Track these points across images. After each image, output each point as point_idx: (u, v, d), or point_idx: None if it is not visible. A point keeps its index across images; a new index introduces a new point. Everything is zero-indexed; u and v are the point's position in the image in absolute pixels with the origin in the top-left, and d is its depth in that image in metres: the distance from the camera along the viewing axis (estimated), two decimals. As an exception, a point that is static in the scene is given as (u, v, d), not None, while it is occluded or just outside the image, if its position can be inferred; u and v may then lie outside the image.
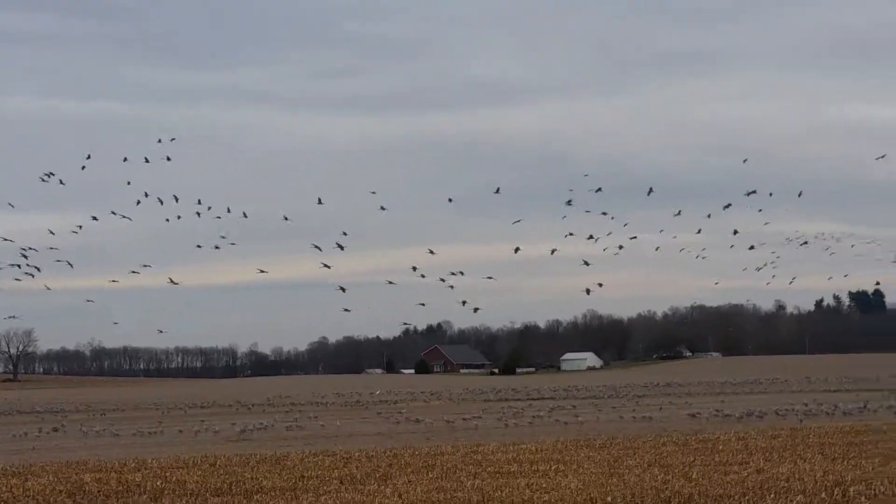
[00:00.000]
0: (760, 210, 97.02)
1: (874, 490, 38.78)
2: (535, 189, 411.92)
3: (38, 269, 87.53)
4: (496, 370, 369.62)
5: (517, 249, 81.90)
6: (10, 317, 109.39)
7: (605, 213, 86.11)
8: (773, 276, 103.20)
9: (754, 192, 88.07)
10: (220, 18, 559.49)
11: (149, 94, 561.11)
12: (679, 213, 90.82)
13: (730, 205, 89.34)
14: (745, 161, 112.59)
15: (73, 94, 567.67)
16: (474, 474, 47.43)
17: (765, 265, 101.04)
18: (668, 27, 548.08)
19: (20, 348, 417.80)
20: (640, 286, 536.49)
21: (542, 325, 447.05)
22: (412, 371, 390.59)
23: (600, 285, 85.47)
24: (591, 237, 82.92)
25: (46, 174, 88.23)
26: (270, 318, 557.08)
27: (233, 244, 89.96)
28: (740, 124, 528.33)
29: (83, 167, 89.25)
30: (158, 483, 46.73)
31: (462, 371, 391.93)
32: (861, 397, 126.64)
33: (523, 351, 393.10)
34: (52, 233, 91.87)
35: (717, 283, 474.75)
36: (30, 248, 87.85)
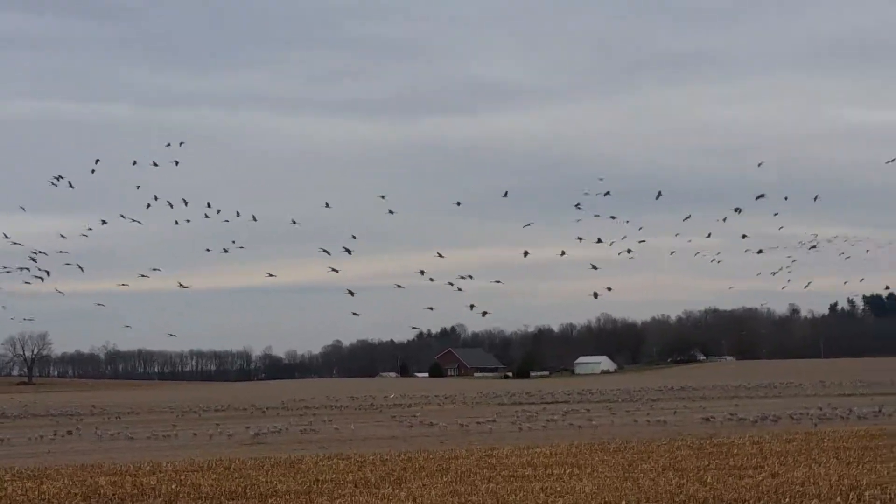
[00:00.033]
0: (776, 214, 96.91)
1: (889, 494, 38.59)
2: (541, 192, 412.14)
3: (48, 273, 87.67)
4: (510, 374, 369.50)
5: (526, 253, 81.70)
6: (26, 319, 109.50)
7: (613, 217, 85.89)
8: (789, 281, 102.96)
9: (763, 195, 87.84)
10: (220, 19, 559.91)
11: (149, 95, 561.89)
12: (689, 217, 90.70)
13: (739, 209, 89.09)
14: (759, 165, 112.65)
15: (73, 95, 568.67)
16: (489, 478, 47.34)
17: (780, 269, 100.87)
18: (668, 27, 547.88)
19: (35, 351, 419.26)
20: (654, 290, 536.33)
21: (555, 328, 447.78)
22: (426, 374, 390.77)
23: (609, 289, 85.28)
24: (599, 241, 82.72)
25: (56, 177, 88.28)
26: (280, 322, 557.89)
27: (241, 248, 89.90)
28: (742, 126, 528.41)
29: (93, 171, 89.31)
30: (173, 486, 46.73)
31: (476, 374, 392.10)
32: (876, 401, 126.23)
33: (537, 354, 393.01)
34: (63, 237, 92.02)
35: (731, 288, 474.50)
36: (39, 252, 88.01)
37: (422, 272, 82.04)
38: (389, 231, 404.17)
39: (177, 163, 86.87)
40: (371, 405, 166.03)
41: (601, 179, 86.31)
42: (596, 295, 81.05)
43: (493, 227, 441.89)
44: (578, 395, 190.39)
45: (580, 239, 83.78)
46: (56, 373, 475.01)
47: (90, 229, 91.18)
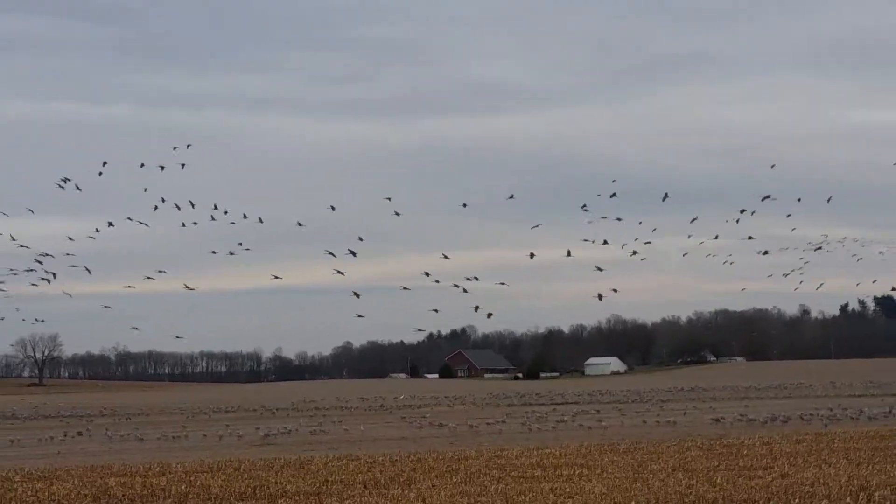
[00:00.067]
0: (789, 215, 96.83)
1: None
2: (541, 192, 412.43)
3: (54, 275, 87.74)
4: (520, 375, 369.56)
5: (532, 255, 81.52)
6: (38, 320, 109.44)
7: (619, 219, 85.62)
8: (801, 282, 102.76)
9: (769, 196, 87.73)
10: (220, 19, 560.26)
11: (149, 95, 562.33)
12: (696, 218, 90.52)
13: (744, 210, 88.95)
14: (772, 167, 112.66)
15: (73, 96, 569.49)
16: (498, 479, 47.40)
17: (792, 271, 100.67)
18: (668, 27, 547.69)
19: (45, 353, 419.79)
20: (664, 291, 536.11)
21: (565, 329, 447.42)
22: (436, 375, 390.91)
23: (615, 290, 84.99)
24: (605, 242, 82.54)
25: (63, 180, 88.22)
26: (284, 324, 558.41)
27: (248, 250, 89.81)
28: (742, 126, 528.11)
29: (100, 173, 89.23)
30: (183, 487, 46.77)
31: (486, 375, 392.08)
32: (886, 402, 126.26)
33: (547, 355, 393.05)
34: (70, 239, 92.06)
35: (743, 290, 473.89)
36: (46, 254, 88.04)
37: (427, 274, 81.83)
38: (391, 232, 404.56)
39: (183, 166, 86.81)
40: (381, 406, 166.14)
41: (614, 181, 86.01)
42: (601, 297, 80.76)
43: (495, 227, 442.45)
44: (588, 396, 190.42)
45: (586, 240, 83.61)
46: (66, 374, 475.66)
47: (98, 231, 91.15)
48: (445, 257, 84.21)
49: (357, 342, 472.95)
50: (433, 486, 45.26)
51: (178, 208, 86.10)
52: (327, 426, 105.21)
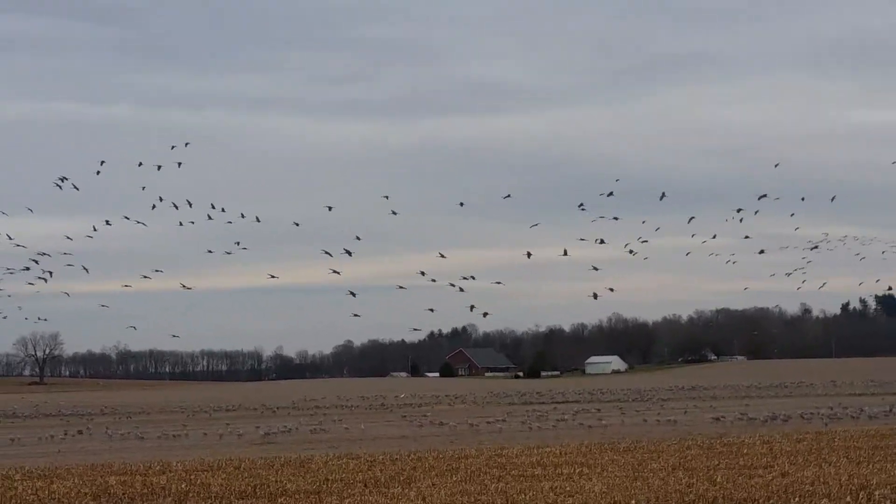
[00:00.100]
0: (793, 214, 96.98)
1: None
2: (542, 192, 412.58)
3: (51, 274, 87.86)
4: (521, 373, 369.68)
5: (529, 254, 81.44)
6: (41, 319, 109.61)
7: (616, 218, 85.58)
8: (804, 282, 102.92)
9: (765, 195, 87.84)
10: (220, 19, 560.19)
11: (149, 95, 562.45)
12: (693, 218, 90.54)
13: (740, 209, 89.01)
14: (776, 165, 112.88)
15: (73, 96, 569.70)
16: (498, 477, 47.49)
17: (794, 270, 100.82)
18: (668, 27, 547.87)
19: (46, 351, 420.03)
20: (664, 290, 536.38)
21: (566, 328, 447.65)
22: (437, 374, 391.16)
23: (611, 290, 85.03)
24: (602, 241, 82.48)
25: (60, 179, 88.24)
26: (283, 323, 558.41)
27: (245, 249, 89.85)
28: (742, 126, 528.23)
29: (98, 172, 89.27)
30: (183, 486, 46.85)
31: (487, 374, 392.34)
32: (887, 401, 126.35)
33: (548, 354, 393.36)
34: (69, 238, 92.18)
35: (746, 289, 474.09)
36: (43, 254, 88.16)
37: (422, 273, 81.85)
38: (390, 231, 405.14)
39: (179, 164, 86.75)
40: (381, 405, 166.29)
41: (618, 180, 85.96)
42: (596, 296, 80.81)
43: (494, 227, 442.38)
44: (589, 394, 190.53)
45: (583, 240, 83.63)
46: (67, 373, 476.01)
47: (95, 230, 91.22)
48: (442, 256, 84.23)
49: (358, 341, 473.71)
50: (433, 484, 45.30)
51: (176, 207, 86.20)
52: (328, 425, 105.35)
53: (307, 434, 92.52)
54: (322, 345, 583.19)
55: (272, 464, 57.50)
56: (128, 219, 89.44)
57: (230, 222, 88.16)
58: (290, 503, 41.07)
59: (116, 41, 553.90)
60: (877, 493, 38.81)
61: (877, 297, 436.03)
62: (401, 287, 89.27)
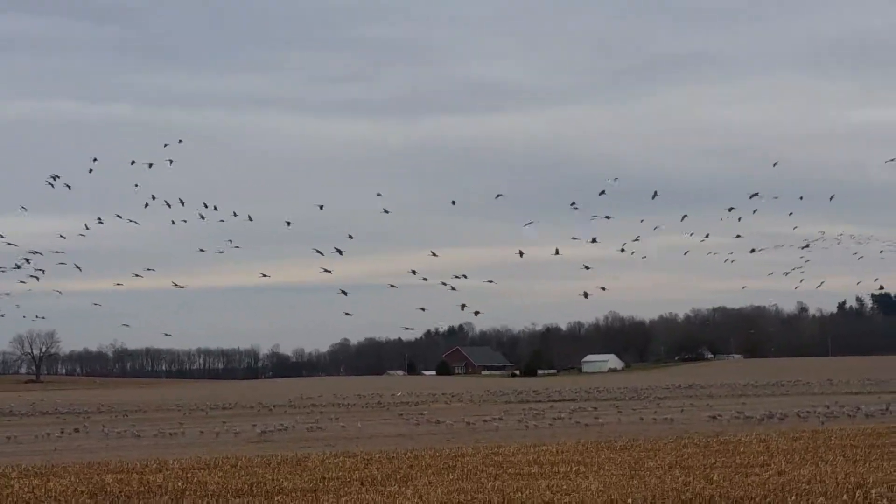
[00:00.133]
0: (791, 213, 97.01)
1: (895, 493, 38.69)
2: (542, 192, 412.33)
3: (42, 271, 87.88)
4: (517, 372, 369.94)
5: (521, 253, 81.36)
6: (39, 317, 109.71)
7: (608, 217, 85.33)
8: (802, 280, 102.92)
9: (756, 194, 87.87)
10: (220, 19, 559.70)
11: (149, 95, 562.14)
12: (685, 216, 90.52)
13: (732, 208, 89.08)
14: (775, 164, 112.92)
15: (73, 95, 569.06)
16: (495, 476, 47.55)
17: (792, 269, 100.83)
18: (668, 27, 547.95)
19: (43, 349, 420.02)
20: (660, 288, 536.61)
21: (563, 326, 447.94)
22: (433, 373, 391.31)
23: (603, 289, 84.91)
24: (594, 240, 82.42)
25: (52, 177, 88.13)
26: (280, 321, 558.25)
27: (237, 247, 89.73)
28: (742, 126, 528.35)
29: (90, 170, 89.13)
30: (180, 484, 46.89)
31: (483, 373, 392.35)
32: (883, 399, 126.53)
33: (545, 353, 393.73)
34: (62, 237, 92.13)
35: (744, 288, 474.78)
36: (35, 252, 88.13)
37: (413, 272, 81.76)
38: (390, 231, 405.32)
39: (171, 161, 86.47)
40: (378, 403, 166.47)
41: (616, 179, 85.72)
42: (586, 294, 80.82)
43: (494, 227, 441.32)
44: (586, 393, 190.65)
45: (575, 238, 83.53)
46: (64, 371, 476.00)
47: (87, 228, 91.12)
48: (434, 255, 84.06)
49: (354, 339, 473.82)
50: (430, 482, 45.34)
51: (169, 206, 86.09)
52: (324, 423, 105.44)
53: (304, 432, 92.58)
54: (318, 343, 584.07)
55: (269, 462, 57.49)
56: (120, 217, 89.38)
57: (222, 221, 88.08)
58: (287, 501, 41.07)
59: (116, 41, 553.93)
60: (873, 491, 38.88)
61: (873, 295, 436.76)
62: (392, 286, 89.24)
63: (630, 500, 37.97)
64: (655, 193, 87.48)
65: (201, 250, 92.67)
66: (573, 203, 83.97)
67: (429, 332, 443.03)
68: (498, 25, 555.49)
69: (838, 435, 67.51)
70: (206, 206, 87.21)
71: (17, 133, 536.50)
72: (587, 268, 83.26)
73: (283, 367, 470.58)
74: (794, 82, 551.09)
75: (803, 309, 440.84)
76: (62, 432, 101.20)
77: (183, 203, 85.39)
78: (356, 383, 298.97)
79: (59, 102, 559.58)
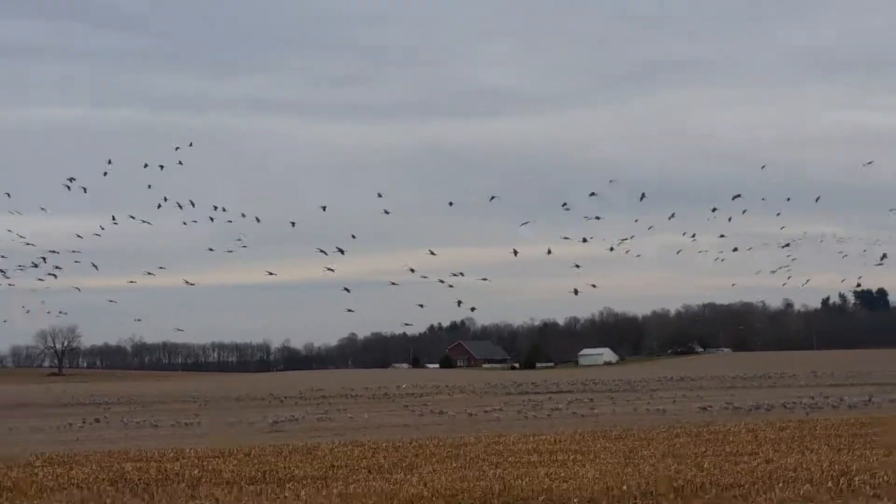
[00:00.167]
0: (779, 213, 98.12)
1: (878, 480, 39.16)
2: (541, 192, 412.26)
3: (59, 268, 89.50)
4: (517, 365, 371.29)
5: (516, 252, 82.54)
6: (62, 312, 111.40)
7: (598, 217, 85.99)
8: (789, 278, 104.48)
9: (739, 195, 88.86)
10: (222, 23, 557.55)
11: (153, 99, 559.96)
12: (673, 215, 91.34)
13: (715, 208, 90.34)
14: (763, 167, 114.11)
15: (78, 101, 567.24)
16: (496, 464, 48.12)
17: (779, 268, 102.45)
18: (668, 30, 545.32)
19: (65, 344, 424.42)
20: (652, 286, 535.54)
21: (560, 321, 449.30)
22: (437, 366, 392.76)
23: (594, 286, 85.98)
24: (584, 240, 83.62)
25: (69, 180, 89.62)
26: (285, 319, 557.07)
27: (244, 247, 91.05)
28: (741, 129, 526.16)
29: (105, 173, 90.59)
30: (196, 472, 47.18)
31: (484, 366, 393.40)
32: (866, 391, 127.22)
33: (543, 347, 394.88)
34: (79, 236, 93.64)
35: (733, 285, 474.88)
36: (53, 251, 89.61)
37: (412, 270, 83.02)
38: (390, 232, 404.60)
39: (181, 163, 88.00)
40: (384, 395, 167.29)
41: (611, 181, 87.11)
42: (576, 291, 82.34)
43: (494, 227, 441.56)
44: (582, 385, 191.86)
45: (566, 238, 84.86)
46: (85, 364, 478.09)
47: (103, 228, 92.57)
48: (432, 253, 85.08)
49: (362, 333, 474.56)
50: (434, 470, 45.90)
51: (180, 207, 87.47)
52: (333, 414, 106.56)
53: (314, 422, 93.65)
54: (328, 337, 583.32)
55: (280, 451, 58.00)
56: (133, 218, 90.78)
57: (230, 221, 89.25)
58: (298, 488, 41.00)
59: (121, 46, 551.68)
60: (856, 478, 39.28)
61: (855, 292, 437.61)
62: (393, 283, 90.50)
63: (625, 487, 38.20)
64: (643, 195, 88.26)
65: (210, 249, 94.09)
66: (564, 204, 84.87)
67: (432, 327, 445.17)
68: (498, 27, 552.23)
69: (823, 425, 67.95)
70: (215, 209, 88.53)
71: (29, 138, 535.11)
72: (577, 266, 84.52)
73: (294, 360, 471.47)
74: (793, 84, 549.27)
75: (789, 305, 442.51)
76: (84, 422, 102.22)
77: (193, 204, 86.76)
78: (363, 376, 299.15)
79: (64, 108, 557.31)
